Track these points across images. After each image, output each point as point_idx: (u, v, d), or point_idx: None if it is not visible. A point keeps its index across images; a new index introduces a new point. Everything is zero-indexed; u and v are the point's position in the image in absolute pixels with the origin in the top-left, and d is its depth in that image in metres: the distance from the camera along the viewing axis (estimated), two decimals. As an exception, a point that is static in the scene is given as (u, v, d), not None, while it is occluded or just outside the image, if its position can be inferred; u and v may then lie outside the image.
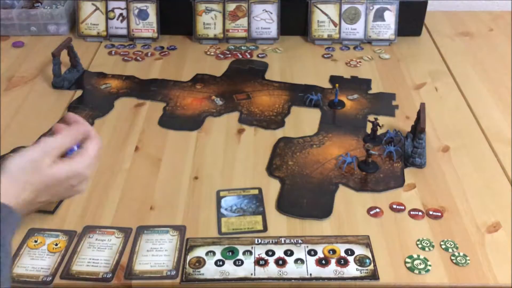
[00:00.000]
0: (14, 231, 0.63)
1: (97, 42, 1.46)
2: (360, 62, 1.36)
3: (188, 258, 0.81)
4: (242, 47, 1.43)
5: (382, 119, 1.10)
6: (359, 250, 0.82)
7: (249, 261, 0.81)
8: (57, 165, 0.68)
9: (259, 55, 1.40)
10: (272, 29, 1.45)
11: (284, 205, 0.91)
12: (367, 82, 1.28)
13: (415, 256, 0.82)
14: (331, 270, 0.79)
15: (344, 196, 0.93)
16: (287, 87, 1.26)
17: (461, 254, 0.82)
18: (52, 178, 0.67)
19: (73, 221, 0.88)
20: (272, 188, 0.95)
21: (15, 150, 1.03)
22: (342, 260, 0.81)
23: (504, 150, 1.05)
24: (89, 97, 1.22)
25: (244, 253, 0.82)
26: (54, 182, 0.68)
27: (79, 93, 1.23)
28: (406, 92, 1.24)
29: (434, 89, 1.25)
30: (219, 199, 0.93)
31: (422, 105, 1.04)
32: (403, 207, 0.91)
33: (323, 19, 1.44)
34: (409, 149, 1.01)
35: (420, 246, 0.83)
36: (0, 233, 0.60)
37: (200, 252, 0.82)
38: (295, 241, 0.84)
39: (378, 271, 0.79)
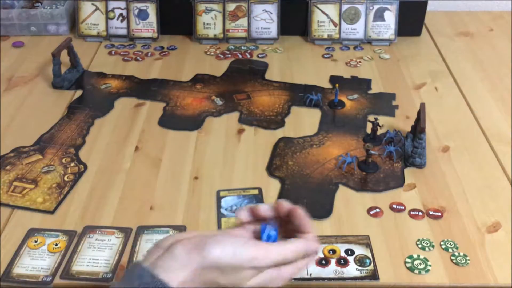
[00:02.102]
0: None
1: (97, 42, 1.46)
2: (360, 62, 1.36)
3: (188, 258, 0.81)
4: (242, 47, 1.43)
5: (382, 119, 1.10)
6: (359, 250, 0.82)
7: (249, 261, 0.80)
8: (255, 279, 0.54)
9: (259, 55, 1.40)
10: (272, 29, 1.45)
11: (284, 205, 0.91)
12: (367, 82, 1.28)
13: (415, 256, 0.82)
14: (331, 270, 0.79)
15: (344, 196, 0.93)
16: (287, 87, 1.26)
17: (461, 254, 0.82)
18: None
19: (73, 221, 0.88)
20: (272, 188, 0.95)
21: (15, 150, 1.03)
22: (342, 260, 0.81)
23: (504, 150, 1.05)
24: (89, 97, 1.22)
25: (244, 253, 0.82)
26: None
27: (79, 93, 1.23)
28: (406, 92, 1.24)
29: (434, 89, 1.25)
30: (219, 199, 0.93)
31: (422, 105, 1.04)
32: (403, 207, 0.91)
33: (323, 19, 1.44)
34: (409, 149, 1.02)
35: (420, 246, 0.83)
36: None
37: (200, 252, 0.82)
38: (295, 241, 0.84)
39: (378, 271, 0.79)
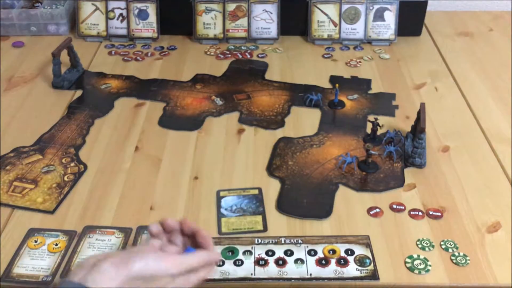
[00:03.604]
0: None
1: (97, 42, 1.46)
2: (360, 62, 1.36)
3: (188, 258, 0.81)
4: (242, 47, 1.43)
5: (382, 119, 1.10)
6: (359, 250, 0.82)
7: (249, 261, 0.81)
8: (170, 285, 0.64)
9: (259, 55, 1.40)
10: (272, 29, 1.45)
11: (284, 205, 0.91)
12: (367, 82, 1.28)
13: (415, 256, 0.82)
14: (331, 270, 0.79)
15: (344, 196, 0.93)
16: (287, 87, 1.26)
17: (461, 254, 0.82)
18: None
19: (73, 221, 0.88)
20: (272, 188, 0.95)
21: (15, 150, 1.03)
22: (342, 260, 0.81)
23: (504, 150, 1.05)
24: (89, 97, 1.22)
25: (244, 253, 0.82)
26: None
27: (79, 93, 1.23)
28: (406, 92, 1.24)
29: (434, 89, 1.25)
30: (219, 199, 0.93)
31: (422, 105, 1.04)
32: (403, 207, 0.91)
33: (323, 19, 1.44)
34: (409, 149, 1.02)
35: (420, 246, 0.83)
36: None
37: (200, 252, 0.82)
38: (295, 241, 0.84)
39: (378, 271, 0.79)
